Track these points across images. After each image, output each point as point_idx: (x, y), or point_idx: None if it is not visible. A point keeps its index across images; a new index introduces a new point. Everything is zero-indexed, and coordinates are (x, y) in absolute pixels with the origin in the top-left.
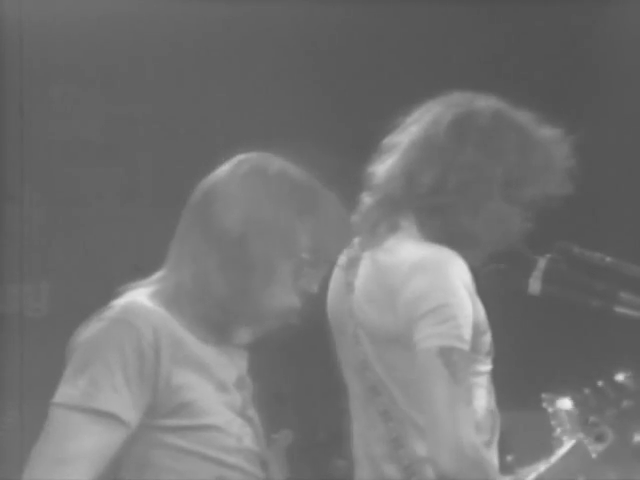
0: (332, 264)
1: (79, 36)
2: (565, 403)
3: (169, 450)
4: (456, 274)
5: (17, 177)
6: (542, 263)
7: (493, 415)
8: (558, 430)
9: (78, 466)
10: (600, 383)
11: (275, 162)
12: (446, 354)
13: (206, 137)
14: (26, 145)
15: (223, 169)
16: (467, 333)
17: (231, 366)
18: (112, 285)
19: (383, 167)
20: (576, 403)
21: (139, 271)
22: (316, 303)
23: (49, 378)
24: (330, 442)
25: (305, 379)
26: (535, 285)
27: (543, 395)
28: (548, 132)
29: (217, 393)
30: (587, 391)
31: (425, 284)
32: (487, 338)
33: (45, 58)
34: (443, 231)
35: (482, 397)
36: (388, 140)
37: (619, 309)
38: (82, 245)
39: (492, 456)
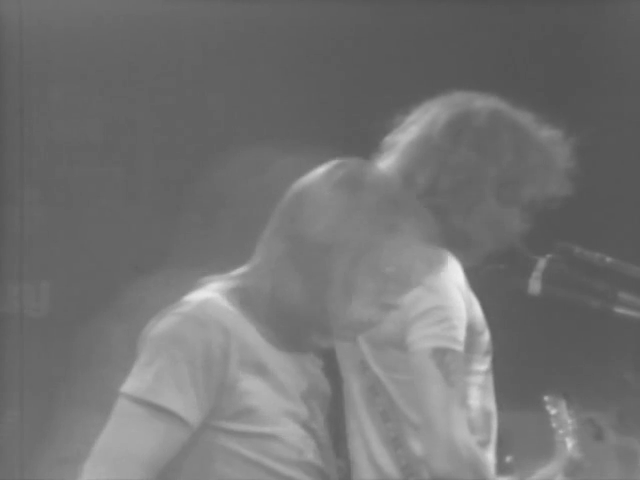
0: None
1: (79, 36)
2: (565, 404)
3: (225, 454)
4: (449, 276)
5: (17, 177)
6: (542, 263)
7: (488, 415)
8: (560, 432)
9: (138, 463)
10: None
11: (372, 171)
12: (439, 355)
13: (206, 137)
14: (26, 145)
15: (317, 172)
16: (461, 334)
17: (301, 374)
18: (112, 285)
19: (381, 167)
20: (574, 404)
21: (139, 271)
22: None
23: (49, 378)
24: (330, 442)
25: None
26: (535, 285)
27: (545, 397)
28: (547, 133)
29: (282, 402)
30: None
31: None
32: (485, 338)
33: (45, 58)
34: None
35: (477, 397)
36: (388, 140)
37: (619, 310)
38: (82, 245)
39: (488, 456)
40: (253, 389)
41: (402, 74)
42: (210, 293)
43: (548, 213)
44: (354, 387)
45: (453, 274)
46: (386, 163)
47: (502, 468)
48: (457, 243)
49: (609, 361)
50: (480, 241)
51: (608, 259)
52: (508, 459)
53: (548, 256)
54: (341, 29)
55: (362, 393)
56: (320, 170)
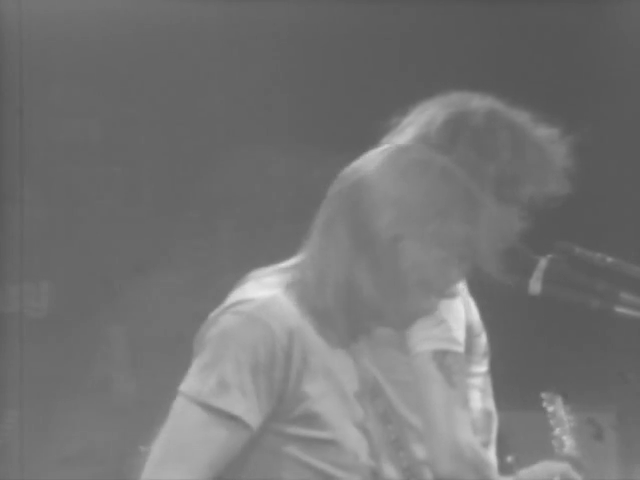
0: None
1: (79, 36)
2: (562, 401)
3: (283, 459)
4: None
5: (17, 177)
6: (543, 263)
7: (489, 416)
8: (557, 430)
9: (198, 465)
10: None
11: (437, 158)
12: (439, 357)
13: (206, 137)
14: (26, 145)
15: (376, 158)
16: (461, 335)
17: (355, 372)
18: (112, 285)
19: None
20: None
21: (139, 271)
22: None
23: (49, 378)
24: None
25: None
26: (535, 285)
27: (542, 394)
28: (545, 131)
29: (341, 405)
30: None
31: None
32: (482, 339)
33: (45, 58)
34: None
35: (477, 399)
36: (385, 141)
37: (620, 309)
38: (82, 245)
39: (490, 457)
40: (315, 392)
41: (401, 74)
42: (271, 290)
43: (548, 213)
44: None
45: None
46: None
47: (503, 468)
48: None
49: (609, 361)
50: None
51: (609, 259)
52: (509, 459)
53: (549, 256)
54: (340, 29)
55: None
56: (378, 156)
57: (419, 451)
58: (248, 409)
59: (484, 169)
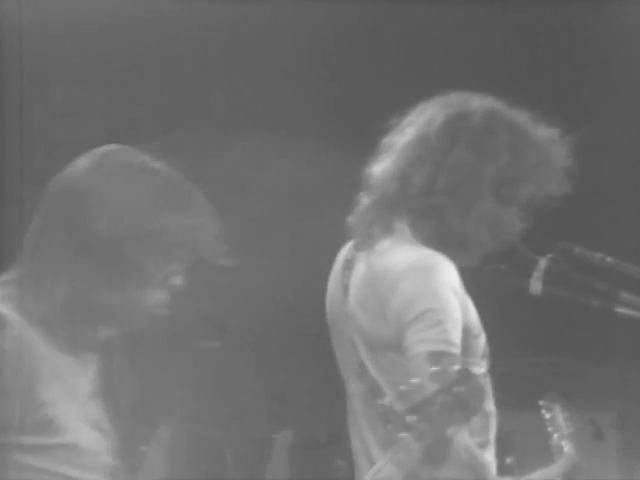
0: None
1: (79, 36)
2: (560, 408)
3: (28, 472)
4: (443, 279)
5: (17, 177)
6: (543, 263)
7: (487, 416)
8: (556, 436)
9: None
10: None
11: (141, 156)
12: (435, 359)
13: (206, 136)
14: (26, 145)
15: (81, 165)
16: (456, 337)
17: (84, 374)
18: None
19: (379, 168)
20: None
21: None
22: (316, 303)
23: None
24: (330, 442)
25: (305, 379)
26: (536, 285)
27: (540, 402)
28: (544, 131)
29: (74, 407)
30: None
31: (412, 290)
32: (481, 341)
33: (45, 58)
34: (434, 232)
35: None
36: (385, 141)
37: (620, 309)
38: None
39: (487, 457)
40: (48, 399)
41: (402, 73)
42: None
43: (548, 213)
44: (353, 390)
45: (447, 276)
46: (383, 164)
47: (502, 469)
48: (455, 243)
49: (609, 361)
50: (479, 240)
51: (609, 259)
52: (508, 460)
53: (549, 256)
54: (341, 28)
55: (361, 396)
56: (85, 162)
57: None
58: None
59: (483, 169)
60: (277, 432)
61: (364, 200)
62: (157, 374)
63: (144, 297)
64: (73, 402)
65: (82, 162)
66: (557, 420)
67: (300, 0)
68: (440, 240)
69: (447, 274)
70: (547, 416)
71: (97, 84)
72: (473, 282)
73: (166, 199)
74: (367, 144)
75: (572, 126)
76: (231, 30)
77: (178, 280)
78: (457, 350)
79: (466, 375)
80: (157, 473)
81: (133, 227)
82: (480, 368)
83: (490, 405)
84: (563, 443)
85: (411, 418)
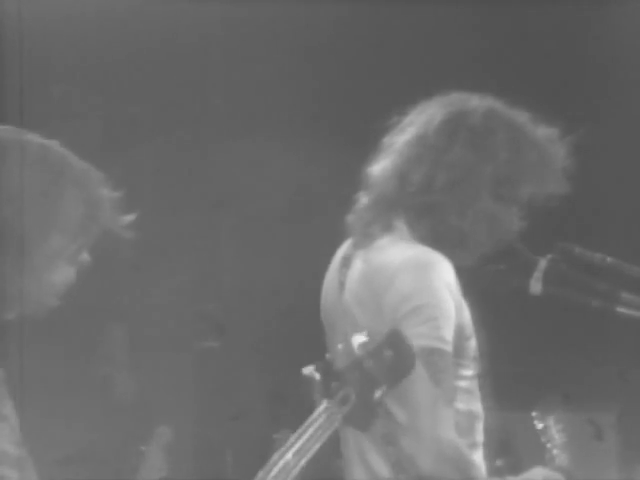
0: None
1: (79, 36)
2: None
3: None
4: (439, 276)
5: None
6: (543, 263)
7: (474, 418)
8: (548, 445)
9: None
10: None
11: (25, 134)
12: (426, 354)
13: (206, 136)
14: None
15: None
16: (448, 334)
17: None
18: (112, 285)
19: (378, 167)
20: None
21: (139, 271)
22: (316, 303)
23: (49, 378)
24: (330, 442)
25: (305, 379)
26: (536, 286)
27: (533, 413)
28: (544, 131)
29: None
30: None
31: (407, 285)
32: (472, 343)
33: (45, 58)
34: (432, 231)
35: (462, 400)
36: (386, 140)
37: (620, 309)
38: None
39: (476, 458)
40: None
41: (402, 74)
42: None
43: (548, 213)
44: None
45: (444, 274)
46: (383, 163)
47: (492, 471)
48: (452, 241)
49: (609, 361)
50: (476, 239)
51: (609, 259)
52: (498, 462)
53: (549, 256)
54: (342, 29)
55: None
56: None
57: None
58: None
59: (481, 168)
60: (277, 432)
61: (363, 199)
62: (157, 374)
63: (51, 274)
64: None
65: None
66: (550, 431)
67: (300, 0)
68: (437, 239)
69: (444, 272)
70: (539, 427)
71: (97, 84)
72: (473, 282)
73: (59, 174)
74: (367, 144)
75: (572, 126)
76: (231, 30)
77: (86, 257)
78: (449, 347)
79: (396, 337)
80: (157, 473)
81: (30, 201)
82: (469, 370)
83: (476, 406)
84: (555, 452)
85: (335, 384)
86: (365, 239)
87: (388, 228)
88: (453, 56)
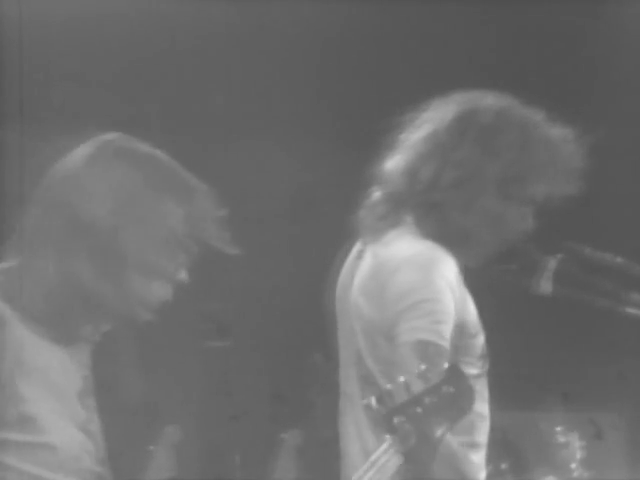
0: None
1: (79, 36)
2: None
3: (1, 470)
4: (441, 273)
5: (17, 177)
6: (553, 263)
7: (476, 417)
8: (566, 458)
9: None
10: None
11: (140, 145)
12: (421, 348)
13: (207, 136)
14: (26, 145)
15: (82, 153)
16: (446, 330)
17: (76, 371)
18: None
19: (392, 163)
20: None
21: None
22: (319, 304)
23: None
24: (330, 442)
25: (305, 379)
26: (546, 285)
27: (557, 428)
28: (557, 131)
29: (58, 406)
30: None
31: (409, 280)
32: (478, 341)
33: (45, 58)
34: (438, 228)
35: None
36: (402, 136)
37: (630, 310)
38: None
39: (474, 457)
40: (30, 395)
41: (403, 74)
42: None
43: (558, 213)
44: (350, 375)
45: (445, 271)
46: (395, 160)
47: (496, 474)
48: (457, 240)
49: (610, 361)
50: (480, 238)
51: (619, 259)
52: (503, 466)
53: (558, 256)
54: (342, 29)
55: (357, 381)
56: (82, 150)
57: None
58: None
59: (487, 166)
60: (285, 432)
61: (375, 194)
62: (163, 374)
63: (147, 289)
64: (58, 399)
65: (80, 150)
66: (572, 446)
67: (302, 1)
68: (442, 236)
69: (446, 269)
70: (562, 440)
71: (97, 84)
72: (482, 282)
73: (166, 186)
74: (369, 145)
75: (586, 126)
76: (231, 30)
77: (184, 275)
78: (446, 343)
79: (456, 373)
80: (164, 473)
81: (132, 215)
82: (475, 369)
83: (481, 406)
84: (573, 467)
85: (397, 419)
86: (375, 233)
87: (397, 223)
88: (454, 57)
